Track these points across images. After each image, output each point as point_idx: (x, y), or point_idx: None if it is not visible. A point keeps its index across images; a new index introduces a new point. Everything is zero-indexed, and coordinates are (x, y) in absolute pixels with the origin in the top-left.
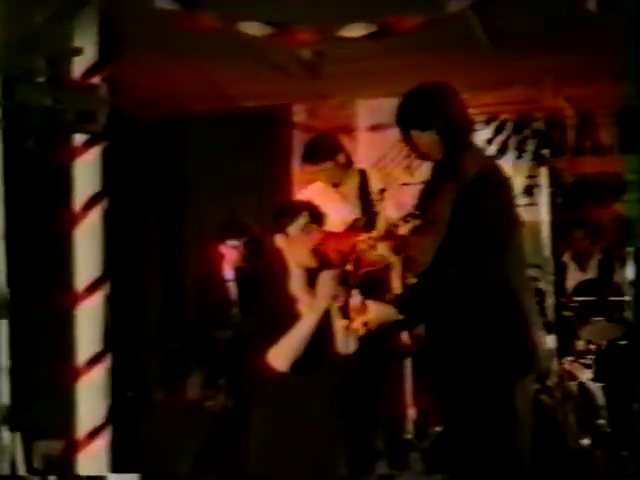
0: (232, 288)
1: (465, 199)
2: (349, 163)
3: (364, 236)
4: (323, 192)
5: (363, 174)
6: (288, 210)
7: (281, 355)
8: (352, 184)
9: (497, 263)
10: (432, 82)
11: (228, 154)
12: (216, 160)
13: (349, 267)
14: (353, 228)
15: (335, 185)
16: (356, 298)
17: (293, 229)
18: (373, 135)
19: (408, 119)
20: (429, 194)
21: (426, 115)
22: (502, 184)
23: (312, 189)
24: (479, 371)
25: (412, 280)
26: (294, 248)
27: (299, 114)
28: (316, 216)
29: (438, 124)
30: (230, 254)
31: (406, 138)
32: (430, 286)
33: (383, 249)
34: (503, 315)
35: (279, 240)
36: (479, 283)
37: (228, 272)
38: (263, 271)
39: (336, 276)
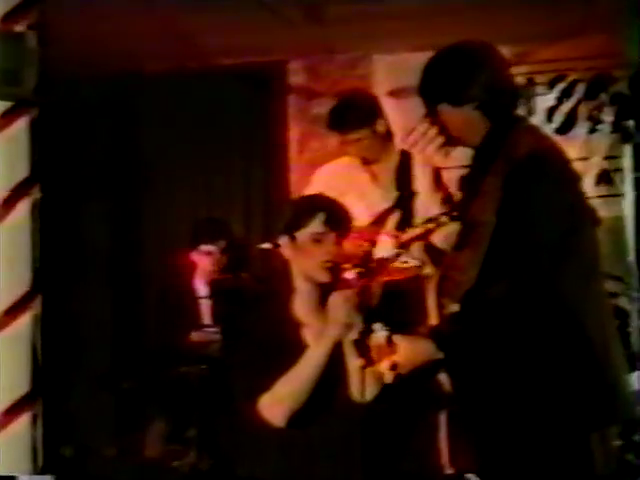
0: (206, 307)
1: (513, 193)
2: (389, 135)
3: (393, 232)
4: (349, 170)
5: (406, 155)
6: (299, 207)
7: (277, 404)
8: (389, 164)
9: (555, 276)
10: (466, 40)
11: (201, 129)
12: (185, 137)
13: (366, 279)
14: (381, 221)
15: (367, 162)
16: (380, 332)
17: (303, 234)
18: (395, 102)
19: (435, 90)
20: (468, 189)
21: (460, 84)
22: (560, 170)
23: (333, 166)
24: (540, 424)
25: (451, 306)
26: (302, 258)
27: (296, 74)
28: (335, 219)
29: (477, 96)
30: (204, 262)
31: (432, 115)
32: (477, 313)
33: (417, 255)
34: (568, 348)
35: (284, 246)
36: (531, 305)
37: (201, 286)
38: (255, 285)
39: (352, 298)
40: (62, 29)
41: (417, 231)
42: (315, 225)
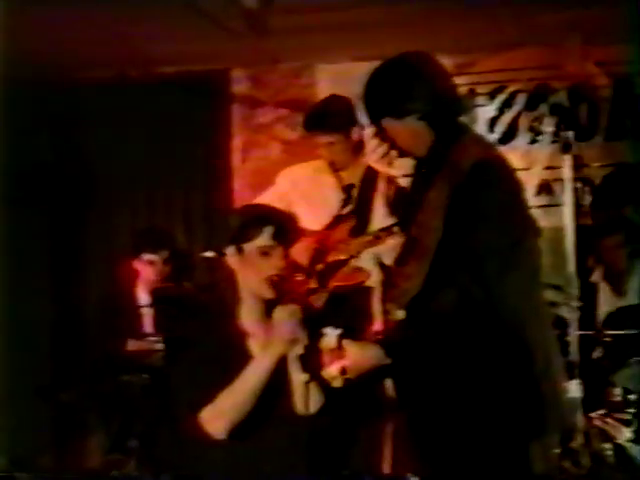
0: (148, 316)
1: (459, 203)
2: (361, 145)
3: (345, 238)
4: (316, 173)
5: (372, 170)
6: (248, 218)
7: (219, 416)
8: (355, 172)
9: (500, 285)
10: (404, 53)
11: (145, 137)
12: (127, 145)
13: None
14: (336, 226)
15: (335, 168)
16: (331, 335)
17: (251, 247)
18: None
19: (378, 105)
20: (414, 198)
21: (402, 97)
22: (505, 179)
23: (301, 168)
24: (481, 432)
25: (396, 312)
26: (248, 271)
27: (240, 83)
28: (284, 232)
29: (420, 107)
30: (146, 272)
31: (378, 130)
32: (423, 320)
33: (366, 262)
34: (509, 356)
35: (230, 256)
36: (476, 314)
37: (143, 295)
38: (198, 294)
39: (296, 313)
40: (3, 34)
41: (368, 239)
42: (263, 239)
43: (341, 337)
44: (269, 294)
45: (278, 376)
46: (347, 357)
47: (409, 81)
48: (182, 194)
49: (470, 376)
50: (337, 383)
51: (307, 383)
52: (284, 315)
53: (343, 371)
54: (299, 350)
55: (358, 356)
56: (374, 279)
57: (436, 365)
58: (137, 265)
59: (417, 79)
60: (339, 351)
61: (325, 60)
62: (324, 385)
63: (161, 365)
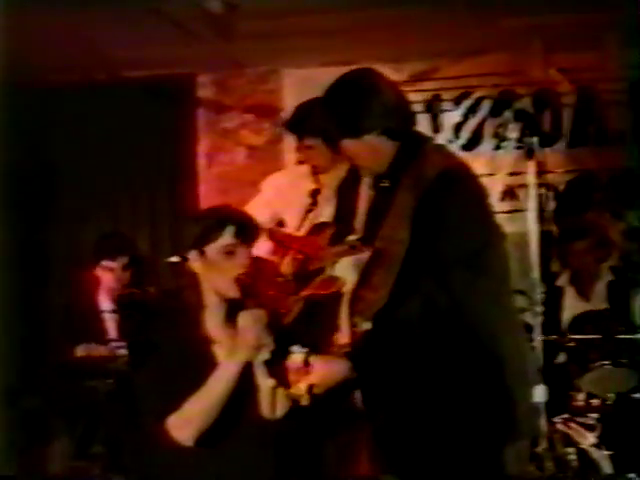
0: (112, 322)
1: (424, 212)
2: (337, 147)
3: (325, 243)
4: (298, 179)
5: (354, 172)
6: (208, 220)
7: (186, 423)
8: (336, 176)
9: (468, 292)
10: (348, 72)
11: (109, 142)
12: (92, 149)
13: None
14: (316, 233)
15: (316, 171)
16: (298, 353)
17: (213, 248)
18: None
19: (333, 129)
20: (377, 209)
21: (359, 116)
22: (469, 186)
23: (284, 175)
24: (452, 439)
25: (363, 324)
26: (213, 272)
27: (205, 88)
28: (246, 231)
29: (379, 122)
30: (106, 278)
31: (335, 152)
32: (390, 331)
33: (343, 271)
34: (479, 362)
35: (193, 260)
36: (443, 323)
37: (106, 301)
38: (163, 299)
39: (262, 318)
40: None
41: (344, 248)
42: (225, 239)
43: (308, 354)
44: (235, 293)
45: (245, 382)
46: (314, 374)
47: (362, 98)
48: (147, 199)
49: (440, 384)
50: (305, 401)
51: (274, 389)
52: (249, 320)
53: (310, 388)
54: (265, 356)
55: (325, 372)
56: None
57: (404, 374)
58: (98, 272)
59: (370, 95)
60: (306, 368)
61: (291, 65)
62: (292, 401)
63: (125, 370)
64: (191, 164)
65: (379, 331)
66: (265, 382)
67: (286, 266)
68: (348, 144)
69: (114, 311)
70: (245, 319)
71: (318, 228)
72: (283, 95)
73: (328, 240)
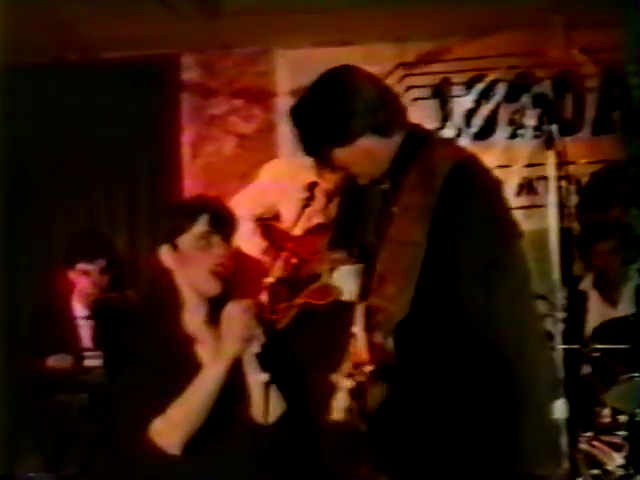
0: (86, 330)
1: (440, 212)
2: None
3: (323, 248)
4: (298, 169)
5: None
6: (179, 212)
7: (171, 429)
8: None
9: (480, 297)
10: (323, 75)
11: (83, 130)
12: (65, 139)
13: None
14: (316, 233)
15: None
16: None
17: (186, 240)
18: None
19: (319, 141)
20: (377, 218)
21: (347, 120)
22: (487, 179)
23: (287, 164)
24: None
25: (383, 340)
26: (187, 267)
27: (190, 70)
28: (221, 220)
29: (365, 123)
30: (82, 283)
31: (325, 164)
32: (415, 348)
33: (340, 279)
34: (489, 374)
35: (165, 256)
36: (458, 329)
37: (80, 307)
38: (137, 302)
39: (250, 308)
40: None
41: (342, 255)
42: (198, 227)
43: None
44: (215, 288)
45: (233, 381)
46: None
47: (342, 101)
48: (125, 193)
49: (462, 403)
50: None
51: (267, 384)
52: (236, 311)
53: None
54: (255, 349)
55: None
56: (349, 297)
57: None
58: (72, 276)
59: (348, 95)
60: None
61: (284, 45)
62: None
63: (101, 383)
64: (174, 155)
65: (403, 348)
66: (257, 377)
67: (278, 269)
68: (340, 154)
69: (89, 318)
70: (232, 310)
71: (316, 230)
72: (276, 78)
73: (326, 244)
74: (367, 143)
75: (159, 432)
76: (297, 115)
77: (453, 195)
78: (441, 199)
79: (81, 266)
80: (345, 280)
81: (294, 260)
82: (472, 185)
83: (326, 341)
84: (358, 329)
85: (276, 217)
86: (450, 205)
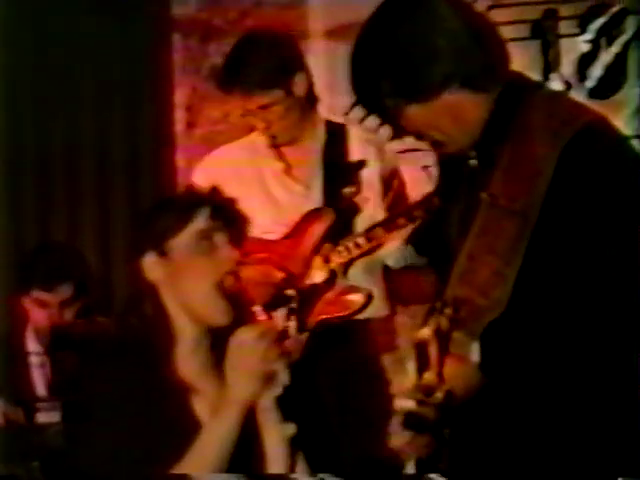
0: (40, 372)
1: (575, 178)
2: (312, 100)
3: (321, 249)
4: (251, 157)
5: (334, 128)
6: (169, 206)
7: None
8: (311, 145)
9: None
10: None
11: (41, 86)
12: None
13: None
14: (300, 233)
15: (277, 143)
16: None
17: (180, 243)
18: (335, 44)
19: (389, 89)
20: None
21: (427, 63)
22: (620, 157)
23: (228, 151)
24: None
25: (466, 344)
26: (181, 281)
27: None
28: (224, 215)
29: (452, 71)
30: (38, 316)
31: (397, 129)
32: (512, 362)
33: (360, 279)
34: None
35: (151, 265)
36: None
37: (35, 342)
38: (110, 332)
39: (269, 333)
40: None
41: (359, 244)
42: (197, 225)
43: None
44: (222, 312)
45: (242, 436)
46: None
47: (424, 34)
48: (95, 181)
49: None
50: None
51: (293, 439)
52: (249, 339)
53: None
54: (276, 391)
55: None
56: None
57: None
58: (27, 304)
59: (435, 25)
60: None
61: None
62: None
63: (58, 445)
64: (163, 123)
65: (493, 360)
66: (279, 430)
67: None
68: (415, 113)
69: (44, 353)
70: (243, 337)
71: (303, 225)
72: (306, 11)
73: (323, 238)
74: (452, 99)
75: None
76: (355, 57)
77: (576, 179)
78: (555, 186)
79: (36, 294)
80: (365, 278)
81: (274, 278)
82: (607, 165)
83: (359, 368)
84: (428, 332)
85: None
86: (571, 197)
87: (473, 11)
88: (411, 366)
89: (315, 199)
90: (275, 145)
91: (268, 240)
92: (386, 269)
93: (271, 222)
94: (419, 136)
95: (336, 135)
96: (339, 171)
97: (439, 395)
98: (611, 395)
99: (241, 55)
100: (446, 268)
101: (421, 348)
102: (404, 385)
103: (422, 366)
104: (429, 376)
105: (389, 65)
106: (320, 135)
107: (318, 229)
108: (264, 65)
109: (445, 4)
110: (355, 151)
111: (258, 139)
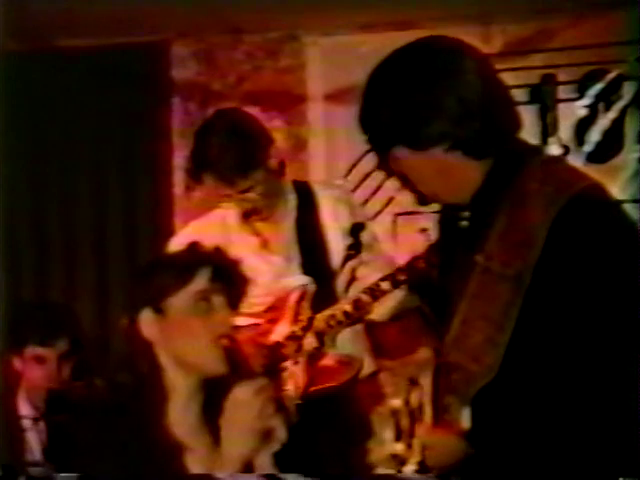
0: (34, 436)
1: (569, 243)
2: (282, 168)
3: (306, 315)
4: (224, 234)
5: (301, 188)
6: (169, 266)
7: None
8: (285, 210)
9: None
10: (423, 39)
11: (40, 145)
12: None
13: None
14: (283, 303)
15: (250, 215)
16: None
17: (178, 303)
18: (334, 108)
19: (386, 128)
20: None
21: (432, 111)
22: (615, 225)
23: (200, 226)
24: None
25: (457, 409)
26: (177, 339)
27: (184, 64)
28: (224, 277)
29: (450, 130)
30: (33, 374)
31: (385, 165)
32: (505, 429)
33: (349, 345)
34: None
35: (147, 323)
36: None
37: (28, 405)
38: (113, 397)
39: (266, 390)
40: None
41: (349, 312)
42: (197, 285)
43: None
44: (218, 365)
45: None
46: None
47: (432, 83)
48: (93, 242)
49: None
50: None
51: None
52: (247, 395)
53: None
54: (274, 447)
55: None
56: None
57: None
58: (19, 364)
59: (449, 77)
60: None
61: (317, 30)
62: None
63: None
64: (162, 186)
65: (484, 428)
66: None
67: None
68: (405, 156)
69: (39, 419)
70: (241, 393)
71: (285, 296)
72: (305, 75)
73: (309, 305)
74: (442, 157)
75: None
76: (371, 79)
77: (568, 246)
78: (547, 253)
79: (32, 351)
80: (353, 344)
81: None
82: (601, 231)
83: (355, 430)
84: (398, 403)
85: None
86: (563, 263)
87: (492, 69)
88: (388, 434)
89: (294, 269)
90: (247, 216)
91: (251, 313)
92: (369, 324)
93: (253, 296)
94: (405, 182)
95: (306, 196)
96: (314, 238)
97: (411, 467)
98: (611, 395)
99: (211, 142)
100: (443, 310)
101: (395, 417)
102: (380, 454)
103: (396, 435)
104: (400, 447)
105: (394, 96)
106: (291, 200)
107: (301, 300)
108: (247, 149)
109: (470, 58)
110: (326, 211)
111: (227, 213)
